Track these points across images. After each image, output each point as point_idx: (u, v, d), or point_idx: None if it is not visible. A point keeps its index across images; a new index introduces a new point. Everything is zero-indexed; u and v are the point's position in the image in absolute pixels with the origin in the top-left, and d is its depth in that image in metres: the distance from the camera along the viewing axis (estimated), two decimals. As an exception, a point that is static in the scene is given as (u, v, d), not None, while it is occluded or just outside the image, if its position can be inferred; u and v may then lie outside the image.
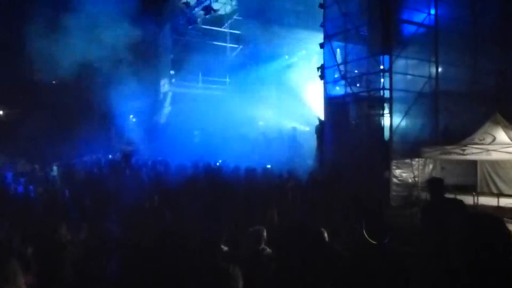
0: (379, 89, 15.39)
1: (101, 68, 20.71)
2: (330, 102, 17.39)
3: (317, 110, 19.72)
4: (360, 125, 15.96)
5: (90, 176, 14.41)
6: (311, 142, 18.97)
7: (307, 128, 21.86)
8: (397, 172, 14.75)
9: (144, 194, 10.28)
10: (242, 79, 24.49)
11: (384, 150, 14.76)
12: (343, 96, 16.74)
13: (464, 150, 12.59)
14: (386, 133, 14.94)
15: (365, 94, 16.24)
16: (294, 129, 22.51)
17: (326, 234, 5.38)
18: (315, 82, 18.95)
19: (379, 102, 15.24)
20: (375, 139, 15.23)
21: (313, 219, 8.23)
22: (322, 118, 17.87)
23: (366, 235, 4.38)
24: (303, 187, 12.04)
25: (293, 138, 21.51)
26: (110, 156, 21.30)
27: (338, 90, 17.27)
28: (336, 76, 17.20)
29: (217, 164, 16.85)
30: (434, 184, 7.00)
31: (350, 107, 16.39)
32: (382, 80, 15.51)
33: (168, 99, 25.40)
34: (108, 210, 8.41)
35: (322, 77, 17.47)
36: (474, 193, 12.73)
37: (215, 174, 13.83)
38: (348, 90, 16.60)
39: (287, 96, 23.23)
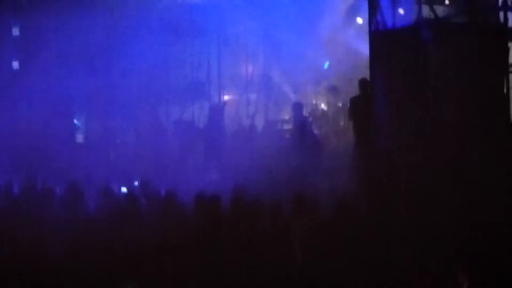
0: (494, 11, 8.59)
1: None
2: (385, 40, 9.11)
3: (355, 62, 11.73)
4: (452, 92, 8.35)
5: None
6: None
7: (338, 104, 12.27)
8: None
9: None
10: None
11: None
12: (414, 28, 8.77)
13: None
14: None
15: (463, 21, 8.93)
16: (301, 108, 11.64)
17: None
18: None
19: (498, 41, 8.31)
20: (488, 124, 8.14)
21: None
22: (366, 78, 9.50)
23: None
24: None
25: (302, 126, 10.94)
26: None
27: (402, 14, 9.18)
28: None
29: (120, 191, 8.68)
30: None
31: (431, 52, 8.45)
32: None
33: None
34: None
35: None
36: None
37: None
38: (425, 13, 8.72)
39: (284, 33, 13.21)
